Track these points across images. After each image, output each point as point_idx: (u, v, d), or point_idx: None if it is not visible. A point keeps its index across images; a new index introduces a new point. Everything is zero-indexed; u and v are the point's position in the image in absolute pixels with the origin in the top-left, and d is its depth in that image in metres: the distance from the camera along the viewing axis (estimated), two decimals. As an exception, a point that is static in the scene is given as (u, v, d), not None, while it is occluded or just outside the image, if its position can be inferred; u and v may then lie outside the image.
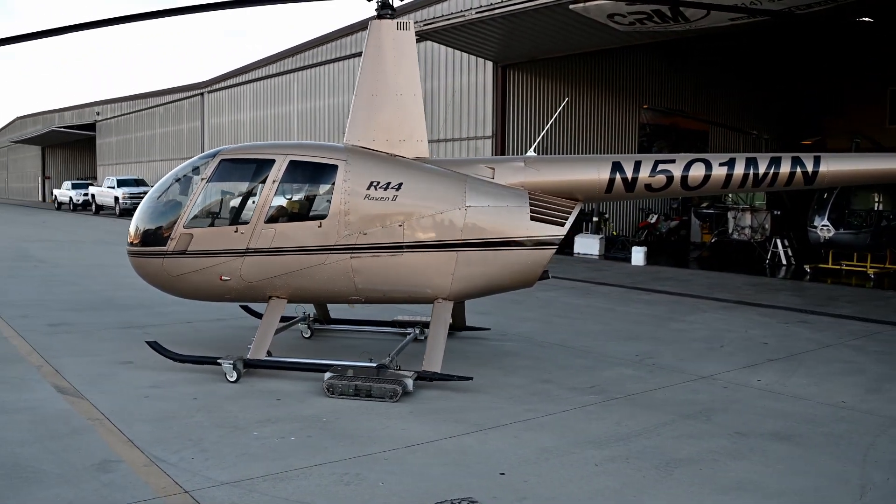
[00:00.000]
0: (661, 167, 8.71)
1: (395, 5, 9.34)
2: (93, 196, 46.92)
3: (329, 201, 8.59)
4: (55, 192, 57.52)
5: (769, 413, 7.25)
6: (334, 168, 8.62)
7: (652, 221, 25.45)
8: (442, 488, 5.35)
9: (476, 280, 8.60)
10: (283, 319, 9.53)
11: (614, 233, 24.73)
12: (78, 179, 59.81)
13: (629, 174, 8.72)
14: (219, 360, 8.25)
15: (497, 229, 8.48)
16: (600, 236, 22.55)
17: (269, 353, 8.57)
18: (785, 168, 8.65)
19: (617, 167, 8.75)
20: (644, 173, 8.72)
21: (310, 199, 9.05)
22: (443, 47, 24.84)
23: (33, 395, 7.48)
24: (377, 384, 7.60)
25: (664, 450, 6.22)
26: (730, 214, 21.90)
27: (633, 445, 6.31)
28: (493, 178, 8.82)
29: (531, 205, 8.57)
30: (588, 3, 16.30)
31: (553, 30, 19.91)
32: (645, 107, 28.76)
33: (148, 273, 9.16)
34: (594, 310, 13.15)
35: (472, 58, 24.59)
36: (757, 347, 10.15)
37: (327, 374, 7.85)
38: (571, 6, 16.46)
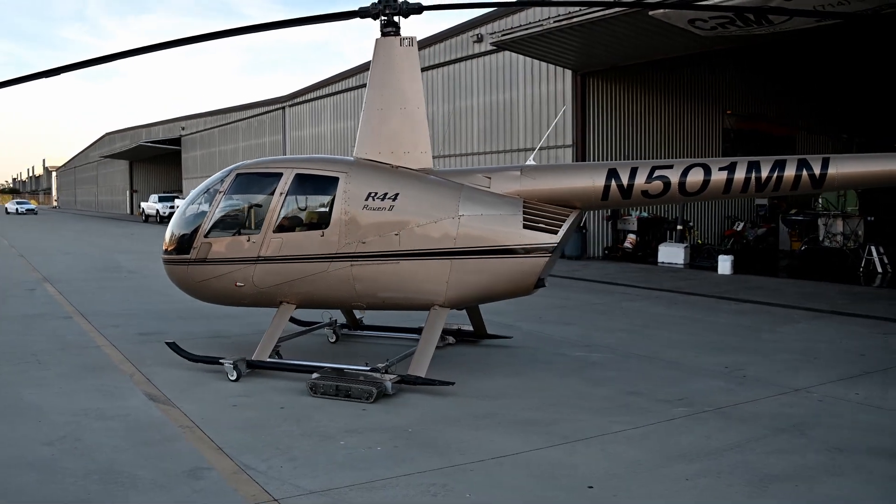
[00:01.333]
0: (657, 173, 8.68)
1: (481, 25, 9.48)
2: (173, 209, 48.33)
3: (331, 212, 8.98)
4: (142, 204, 59.44)
5: (869, 428, 6.95)
6: (335, 180, 9.01)
7: (738, 229, 24.89)
8: (530, 501, 5.29)
9: (471, 287, 8.79)
10: (306, 324, 10.77)
11: (699, 241, 24.24)
12: (164, 192, 61.66)
13: (625, 181, 8.71)
14: (220, 360, 8.84)
15: (490, 237, 8.64)
16: (685, 245, 22.11)
17: (279, 356, 9.19)
18: (790, 171, 8.43)
19: (612, 174, 8.78)
20: (640, 180, 8.69)
21: (313, 210, 9.44)
22: (521, 57, 24.78)
23: (126, 403, 7.69)
24: (356, 385, 7.91)
25: (757, 465, 6.01)
26: (820, 221, 21.23)
27: (724, 460, 6.12)
28: (490, 188, 8.96)
29: (525, 213, 8.69)
30: (669, 9, 16.03)
31: (632, 37, 19.67)
32: (728, 112, 28.19)
33: (177, 279, 9.88)
34: (680, 320, 12.87)
35: (551, 66, 24.48)
36: (853, 359, 9.77)
37: (314, 375, 8.22)
38: (651, 12, 16.21)
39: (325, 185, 9.17)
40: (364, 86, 36.02)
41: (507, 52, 25.18)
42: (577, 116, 24.05)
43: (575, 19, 18.47)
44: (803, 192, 8.69)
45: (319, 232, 8.98)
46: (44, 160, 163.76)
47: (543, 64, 24.55)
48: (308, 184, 9.42)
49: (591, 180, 8.82)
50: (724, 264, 19.85)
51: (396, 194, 8.80)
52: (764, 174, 8.41)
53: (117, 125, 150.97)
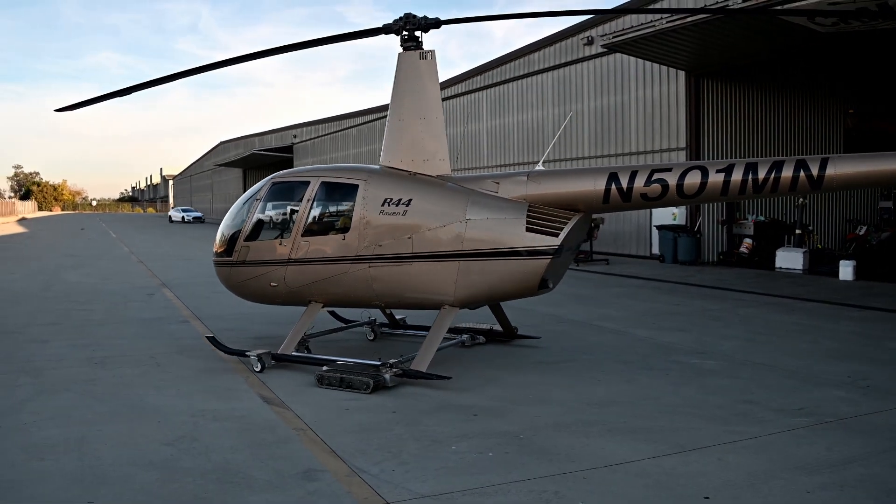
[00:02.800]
0: (656, 176, 8.88)
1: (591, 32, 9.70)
2: None
3: (351, 217, 9.66)
4: (171, 212, 61.22)
5: None
6: (355, 187, 9.70)
7: (861, 233, 23.82)
8: (645, 511, 5.18)
9: (478, 288, 9.22)
10: (346, 322, 11.84)
11: (819, 246, 23.33)
12: (185, 206, 63.28)
13: (624, 184, 8.96)
14: (247, 353, 9.68)
15: (495, 240, 9.07)
16: (804, 250, 21.32)
17: (307, 350, 10.04)
18: (787, 173, 8.45)
19: (613, 178, 9.05)
20: (639, 183, 8.91)
21: (336, 215, 10.14)
22: (633, 59, 24.44)
23: (241, 405, 7.92)
24: (356, 377, 8.50)
25: (883, 479, 5.74)
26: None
27: (847, 473, 5.86)
28: (498, 192, 9.41)
29: (528, 216, 9.07)
30: (787, 6, 15.50)
31: (749, 35, 19.12)
32: (850, 111, 27.05)
33: (223, 279, 10.85)
34: (799, 327, 12.40)
35: (663, 68, 24.04)
36: None
37: (323, 367, 8.95)
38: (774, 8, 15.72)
39: (347, 191, 9.90)
40: (474, 91, 36.30)
41: (618, 55, 24.87)
42: (691, 118, 23.53)
43: (689, 19, 18.07)
44: (802, 192, 8.71)
45: (341, 235, 9.66)
46: (161, 169, 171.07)
47: (655, 65, 24.14)
48: (332, 191, 10.19)
49: (593, 184, 9.13)
50: (846, 270, 19.08)
51: (410, 200, 9.40)
52: (761, 175, 8.49)
53: (232, 134, 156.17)
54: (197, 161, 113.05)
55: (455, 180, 9.71)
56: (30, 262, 28.01)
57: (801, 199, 21.63)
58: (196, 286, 17.63)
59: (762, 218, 23.88)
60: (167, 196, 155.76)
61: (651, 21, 19.63)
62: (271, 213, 10.72)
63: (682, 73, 23.61)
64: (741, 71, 23.53)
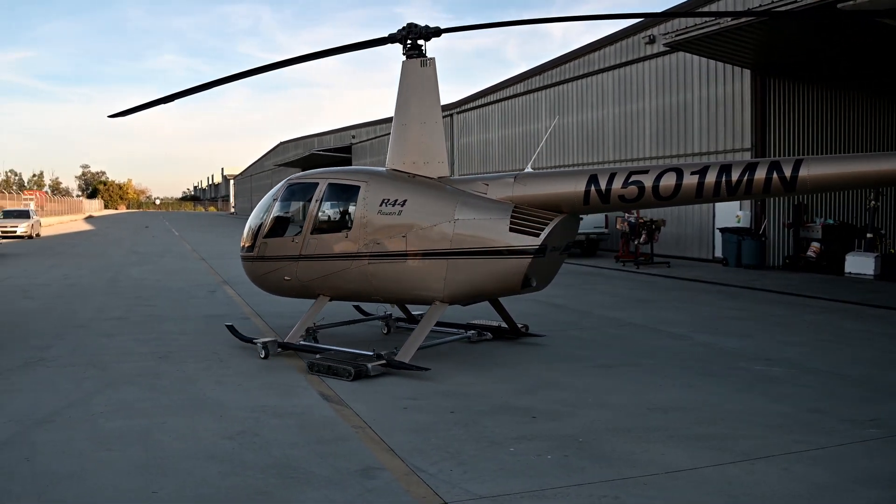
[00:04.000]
0: (633, 178, 9.09)
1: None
2: None
3: (353, 216, 10.28)
4: None
5: None
6: (357, 188, 10.31)
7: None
8: (707, 519, 5.12)
9: (465, 285, 9.65)
10: (365, 314, 12.73)
11: (892, 251, 22.69)
12: None
13: (603, 186, 9.22)
14: (254, 340, 10.53)
15: (480, 239, 9.49)
16: (875, 254, 20.76)
17: (315, 340, 10.77)
18: (760, 174, 8.46)
19: (593, 180, 9.32)
20: (617, 185, 9.15)
21: (341, 214, 10.75)
22: (695, 57, 24.12)
23: (301, 401, 8.04)
24: (341, 365, 9.07)
25: (962, 496, 5.57)
26: None
27: (923, 490, 5.69)
28: (487, 194, 9.81)
29: (512, 217, 9.44)
30: (843, 5, 15.10)
31: (817, 31, 18.71)
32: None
33: (247, 272, 11.73)
34: (870, 335, 12.10)
35: (728, 66, 23.66)
36: None
37: (316, 356, 9.68)
38: (840, 5, 15.34)
39: (350, 192, 10.49)
40: (533, 91, 36.25)
41: (680, 53, 24.55)
42: (757, 118, 23.11)
43: (743, 20, 17.76)
44: (776, 194, 8.70)
45: (344, 233, 10.30)
46: (222, 168, 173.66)
47: (719, 63, 23.77)
48: (337, 192, 10.80)
49: (574, 186, 9.43)
50: (921, 276, 18.52)
51: (405, 200, 9.92)
52: (734, 177, 8.54)
53: (291, 134, 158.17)
54: (257, 161, 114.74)
55: (451, 182, 10.18)
56: (97, 258, 28.77)
57: (872, 202, 21.08)
58: (257, 284, 17.85)
59: (831, 221, 23.35)
60: (228, 195, 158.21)
61: (714, 18, 19.33)
62: (286, 212, 11.48)
63: (746, 72, 23.21)
64: (809, 69, 23.02)
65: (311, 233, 10.61)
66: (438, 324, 11.69)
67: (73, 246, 36.77)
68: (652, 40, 26.79)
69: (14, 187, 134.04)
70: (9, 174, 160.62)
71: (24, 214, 46.08)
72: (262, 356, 10.13)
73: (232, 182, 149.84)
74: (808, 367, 9.70)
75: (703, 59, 24.06)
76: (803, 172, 8.28)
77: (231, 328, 11.33)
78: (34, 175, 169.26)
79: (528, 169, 10.42)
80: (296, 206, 11.48)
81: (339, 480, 5.76)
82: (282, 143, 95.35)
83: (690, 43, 20.77)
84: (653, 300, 15.97)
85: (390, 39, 10.42)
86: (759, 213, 23.53)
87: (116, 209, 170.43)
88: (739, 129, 23.69)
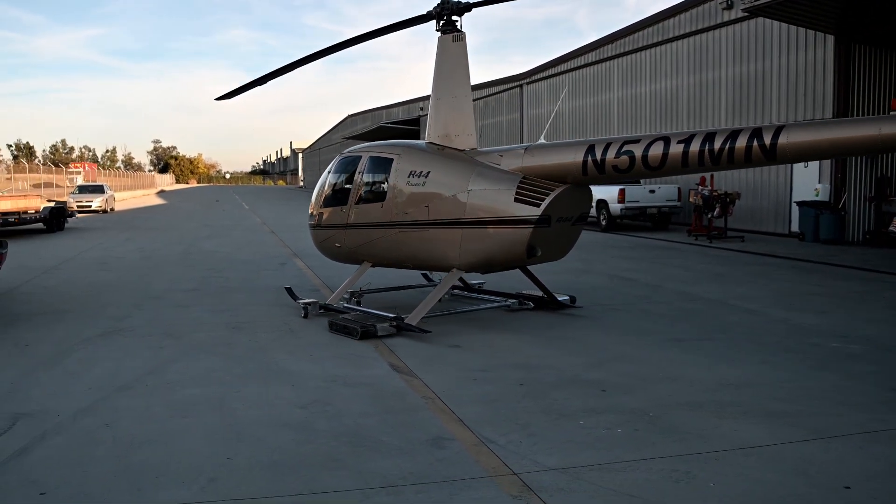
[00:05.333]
0: (625, 148, 9.30)
1: None
2: None
3: (386, 187, 10.94)
4: None
5: None
6: (391, 161, 10.98)
7: None
8: (779, 495, 5.06)
9: (477, 253, 10.13)
10: (429, 280, 13.52)
11: (980, 226, 21.86)
12: None
13: (598, 156, 9.48)
14: (298, 300, 11.58)
15: (489, 209, 9.96)
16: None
17: (358, 304, 11.78)
18: (741, 142, 8.41)
19: (590, 150, 9.59)
20: (611, 155, 9.39)
21: (377, 186, 11.30)
22: (775, 23, 23.48)
23: (371, 372, 8.18)
24: (352, 325, 9.83)
25: None
26: None
27: None
28: (500, 165, 10.26)
29: (518, 187, 9.84)
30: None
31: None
32: None
33: (312, 238, 12.67)
34: (957, 313, 11.73)
35: (810, 33, 22.97)
36: None
37: (340, 316, 10.45)
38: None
39: (385, 165, 11.10)
40: (605, 60, 35.71)
41: (759, 19, 23.93)
42: (839, 87, 22.40)
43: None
44: (758, 164, 8.59)
45: (380, 203, 10.98)
46: (291, 142, 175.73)
47: (801, 30, 23.09)
48: (375, 165, 11.39)
49: (574, 156, 9.73)
50: None
51: (429, 172, 10.51)
52: (717, 145, 8.57)
53: (359, 107, 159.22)
54: (325, 134, 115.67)
55: (472, 153, 10.66)
56: (169, 231, 29.51)
57: None
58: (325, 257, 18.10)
59: (916, 195, 22.61)
60: (296, 168, 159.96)
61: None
62: (337, 184, 12.14)
63: (830, 38, 22.49)
64: (897, 35, 22.23)
65: (356, 203, 11.39)
66: (484, 292, 12.66)
67: (147, 220, 37.75)
68: (730, 6, 26.14)
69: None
70: (83, 150, 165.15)
71: (98, 189, 47.37)
72: (302, 316, 11.11)
73: (300, 155, 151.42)
74: (888, 345, 9.47)
75: (784, 25, 23.40)
76: (783, 140, 8.18)
77: (288, 290, 12.43)
78: (107, 151, 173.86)
79: (542, 140, 10.79)
80: (345, 178, 12.05)
81: (409, 449, 5.87)
82: (350, 116, 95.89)
83: (771, 7, 20.17)
84: (726, 275, 15.74)
85: (427, 17, 10.97)
86: (840, 186, 22.90)
87: (187, 183, 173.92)
88: (820, 100, 23.04)
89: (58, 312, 11.78)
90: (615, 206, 26.92)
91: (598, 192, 28.11)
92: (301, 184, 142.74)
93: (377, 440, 6.09)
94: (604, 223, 27.65)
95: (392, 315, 10.10)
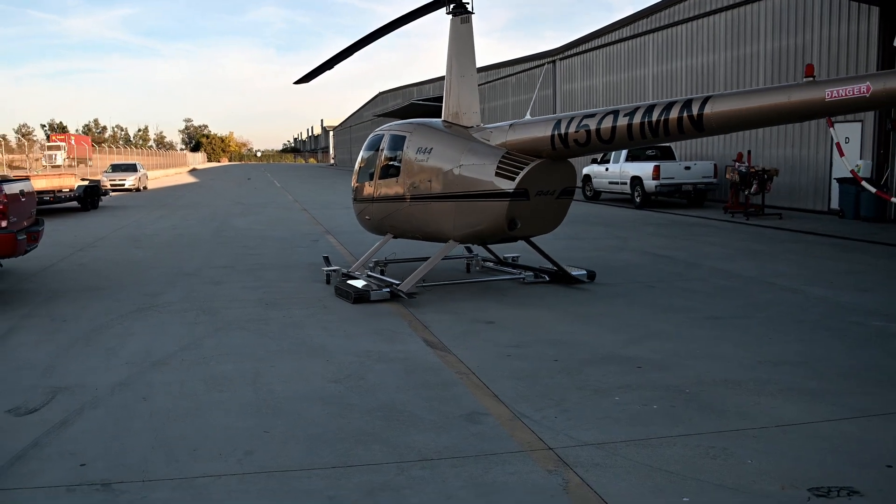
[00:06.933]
0: (583, 122, 9.64)
1: None
2: None
3: (400, 163, 11.56)
4: None
5: None
6: (404, 138, 11.68)
7: None
8: (817, 474, 5.02)
9: (468, 226, 10.70)
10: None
11: None
12: None
13: (563, 130, 9.87)
14: (323, 268, 12.26)
15: (476, 183, 10.52)
16: None
17: (382, 273, 12.31)
18: (674, 114, 8.48)
19: (557, 125, 9.99)
20: (572, 129, 9.76)
21: (394, 162, 11.86)
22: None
23: (405, 347, 8.24)
24: (348, 289, 10.62)
25: None
26: None
27: None
28: (489, 141, 10.82)
29: (500, 162, 10.37)
30: None
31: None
32: None
33: (355, 213, 13.33)
34: None
35: (853, 3, 22.52)
36: None
37: (347, 281, 11.18)
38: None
39: (401, 142, 11.75)
40: (640, 35, 35.32)
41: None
42: (884, 61, 21.98)
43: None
44: (690, 136, 8.66)
45: (396, 178, 11.63)
46: (321, 120, 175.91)
47: (844, 2, 22.65)
48: (393, 142, 12.02)
49: (544, 131, 10.17)
50: None
51: (432, 148, 11.16)
52: (654, 117, 8.77)
53: (391, 84, 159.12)
54: (356, 112, 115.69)
55: (476, 130, 11.21)
56: (202, 209, 29.75)
57: None
58: (359, 233, 18.14)
59: (960, 171, 22.17)
60: (327, 147, 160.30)
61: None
62: (367, 160, 12.83)
63: (875, 10, 22.04)
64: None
65: (379, 178, 12.10)
66: (503, 263, 13.11)
67: (179, 198, 38.08)
68: (768, -21, 25.71)
69: (121, 142, 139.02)
70: (116, 129, 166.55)
71: (131, 168, 47.81)
72: (326, 282, 11.94)
73: (331, 133, 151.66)
74: (932, 322, 9.35)
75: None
76: (708, 110, 8.27)
77: (326, 258, 12.92)
78: (139, 130, 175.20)
79: (527, 117, 11.20)
80: (373, 155, 12.65)
81: (443, 424, 5.91)
82: (381, 94, 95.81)
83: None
84: (764, 252, 15.59)
85: (441, 2, 11.51)
86: (882, 162, 22.51)
87: (219, 162, 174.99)
88: (864, 73, 22.61)
89: (93, 289, 11.96)
90: (650, 183, 26.73)
91: (633, 168, 27.96)
92: (332, 162, 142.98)
93: (411, 414, 6.14)
94: (638, 200, 27.47)
95: (398, 282, 10.79)
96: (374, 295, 10.42)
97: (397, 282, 10.85)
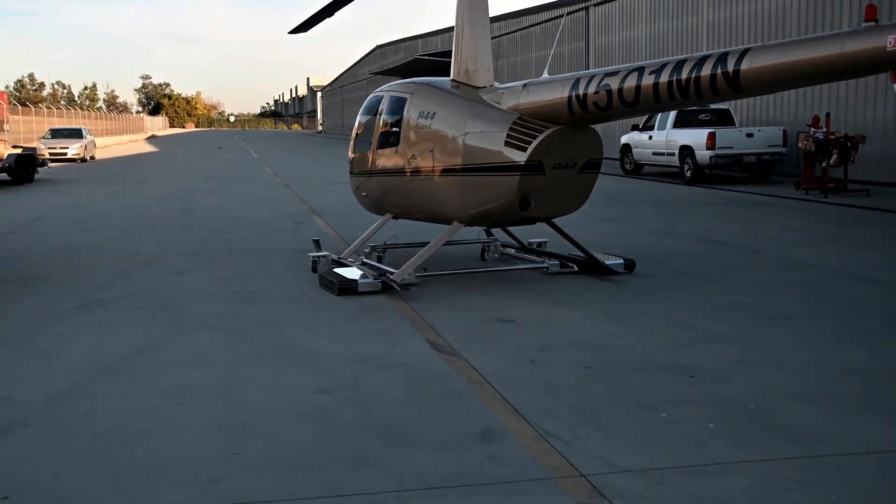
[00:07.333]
0: (604, 81, 9.59)
1: None
2: None
3: (400, 130, 11.67)
4: None
5: None
6: (405, 100, 11.71)
7: None
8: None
9: (474, 205, 10.74)
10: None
11: None
12: None
13: (581, 91, 9.80)
14: (311, 254, 12.31)
15: (482, 154, 10.55)
16: None
17: (379, 260, 12.44)
18: (706, 70, 8.50)
19: (575, 85, 9.94)
20: (591, 89, 9.69)
21: (393, 129, 12.00)
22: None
23: (407, 350, 8.21)
24: (331, 278, 10.77)
25: None
26: None
27: None
28: (501, 104, 10.83)
29: (510, 129, 10.34)
30: None
31: None
32: None
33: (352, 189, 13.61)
34: None
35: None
36: None
37: (339, 269, 11.24)
38: None
39: (400, 106, 11.80)
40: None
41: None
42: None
43: None
44: (726, 97, 8.75)
45: (394, 149, 11.74)
46: (308, 79, 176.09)
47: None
48: (392, 106, 12.09)
49: (560, 92, 10.12)
50: None
51: (435, 113, 11.18)
52: (684, 75, 8.70)
53: (390, 37, 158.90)
54: (350, 69, 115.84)
55: (486, 92, 11.26)
56: (163, 184, 29.85)
57: None
58: (352, 214, 18.13)
59: None
60: (315, 110, 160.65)
61: None
62: (363, 128, 13.04)
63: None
64: None
65: (377, 148, 12.22)
66: (527, 250, 13.19)
67: (135, 170, 38.21)
68: None
69: (62, 102, 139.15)
70: (55, 87, 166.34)
71: (75, 134, 47.84)
72: (313, 271, 11.89)
73: (319, 94, 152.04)
74: None
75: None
76: (745, 65, 8.20)
77: (316, 242, 12.94)
78: (86, 88, 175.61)
79: (545, 75, 11.09)
80: (370, 120, 12.79)
81: (453, 445, 5.85)
82: (379, 48, 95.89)
83: None
84: (846, 237, 15.51)
85: None
86: None
87: (184, 127, 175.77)
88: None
89: (27, 281, 11.96)
90: (703, 154, 26.60)
91: (682, 136, 27.83)
92: (321, 128, 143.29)
93: (414, 433, 6.08)
94: (689, 175, 27.37)
95: (394, 270, 10.83)
96: (362, 285, 10.51)
97: (396, 271, 10.85)
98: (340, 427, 6.21)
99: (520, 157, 10.18)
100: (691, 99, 8.97)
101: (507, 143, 10.31)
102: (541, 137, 10.14)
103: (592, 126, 10.63)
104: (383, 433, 6.08)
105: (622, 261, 11.90)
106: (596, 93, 9.65)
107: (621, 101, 9.45)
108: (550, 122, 10.27)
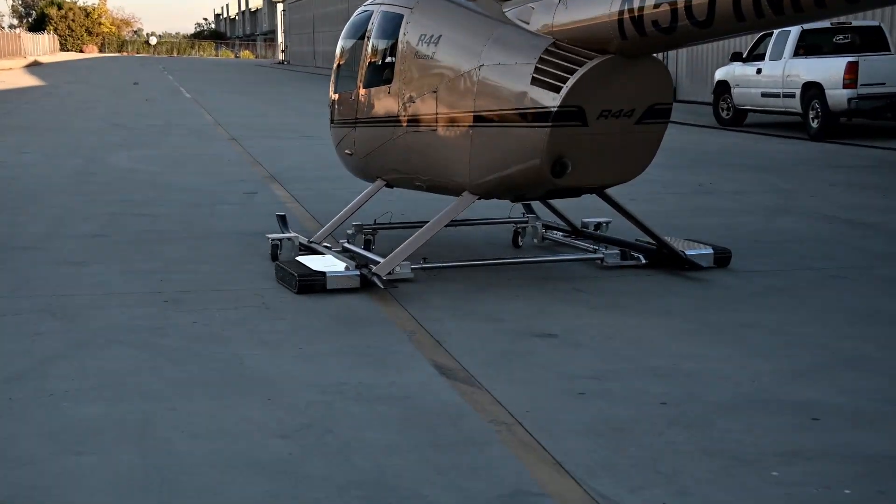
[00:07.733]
0: None
1: None
2: None
3: (395, 60, 11.78)
4: None
5: None
6: (401, 18, 11.75)
7: None
8: None
9: (489, 168, 10.77)
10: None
11: None
12: None
13: (635, 4, 9.59)
14: (269, 235, 12.49)
15: (501, 95, 10.60)
16: None
17: (368, 242, 12.69)
18: None
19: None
20: (650, 3, 9.48)
21: (385, 59, 12.27)
22: None
23: (404, 378, 8.23)
24: (291, 271, 10.90)
25: None
26: None
27: None
28: (529, 24, 10.74)
29: (540, 60, 10.20)
30: None
31: None
32: None
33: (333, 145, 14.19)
34: None
35: None
36: None
37: (305, 257, 11.48)
38: None
39: (394, 25, 11.93)
40: None
41: None
42: None
43: None
44: (833, 12, 9.05)
45: (386, 88, 11.93)
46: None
47: None
48: (384, 26, 12.29)
49: (608, 6, 9.92)
50: None
51: (440, 36, 11.19)
52: None
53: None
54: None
55: (511, 6, 11.14)
56: (52, 134, 29.88)
57: None
58: (322, 181, 18.27)
59: None
60: (274, 31, 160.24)
61: None
62: (346, 59, 13.47)
63: None
64: None
65: (364, 87, 12.52)
66: (580, 234, 13.24)
67: (9, 113, 38.22)
68: None
69: None
70: None
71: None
72: (273, 260, 12.03)
73: (281, 8, 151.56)
74: None
75: None
76: None
77: (281, 218, 13.49)
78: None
79: None
80: (355, 48, 13.17)
81: (469, 512, 5.89)
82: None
83: None
84: None
85: None
86: None
87: (82, 51, 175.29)
88: None
89: None
90: (837, 94, 26.27)
91: (808, 70, 27.50)
92: (282, 57, 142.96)
93: (414, 495, 6.09)
94: (816, 125, 27.08)
95: (372, 259, 11.14)
96: (332, 280, 10.66)
97: (378, 259, 10.97)
98: (307, 487, 6.21)
99: (552, 100, 10.00)
100: (785, 15, 8.80)
101: (534, 81, 10.17)
102: (581, 72, 9.92)
103: (656, 56, 10.56)
104: (368, 496, 6.09)
105: (711, 251, 11.86)
106: (655, 6, 9.43)
107: (689, 19, 9.24)
108: (596, 49, 10.07)
